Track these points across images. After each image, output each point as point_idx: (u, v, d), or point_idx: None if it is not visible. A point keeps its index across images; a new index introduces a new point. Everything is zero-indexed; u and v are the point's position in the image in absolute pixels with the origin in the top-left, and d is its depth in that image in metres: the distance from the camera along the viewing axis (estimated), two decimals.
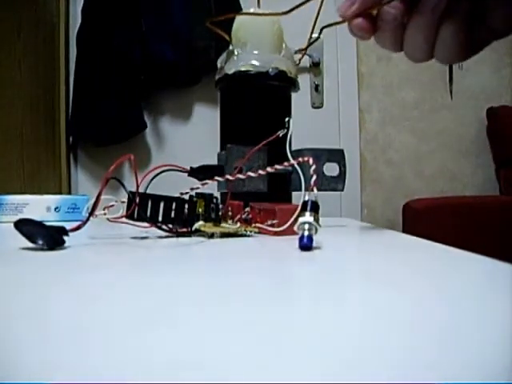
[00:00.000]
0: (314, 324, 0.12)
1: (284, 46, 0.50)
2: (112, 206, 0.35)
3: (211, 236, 0.35)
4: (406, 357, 0.10)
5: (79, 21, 1.55)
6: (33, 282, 0.18)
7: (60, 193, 1.53)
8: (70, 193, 1.59)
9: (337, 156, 0.44)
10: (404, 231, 1.34)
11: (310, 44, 0.53)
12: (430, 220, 1.29)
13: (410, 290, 0.17)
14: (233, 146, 0.44)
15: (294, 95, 0.52)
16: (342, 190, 0.44)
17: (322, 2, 0.40)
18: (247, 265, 0.23)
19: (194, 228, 0.34)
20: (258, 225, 0.36)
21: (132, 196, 0.33)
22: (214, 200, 0.36)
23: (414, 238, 0.35)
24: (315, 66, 1.61)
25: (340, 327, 0.12)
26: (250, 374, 0.09)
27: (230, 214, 0.38)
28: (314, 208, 0.29)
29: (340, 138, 1.57)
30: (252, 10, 0.50)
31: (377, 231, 0.45)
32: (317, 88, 1.62)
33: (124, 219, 0.34)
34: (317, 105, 1.62)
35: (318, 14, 0.44)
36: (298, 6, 0.37)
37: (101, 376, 0.09)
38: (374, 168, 1.62)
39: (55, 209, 0.56)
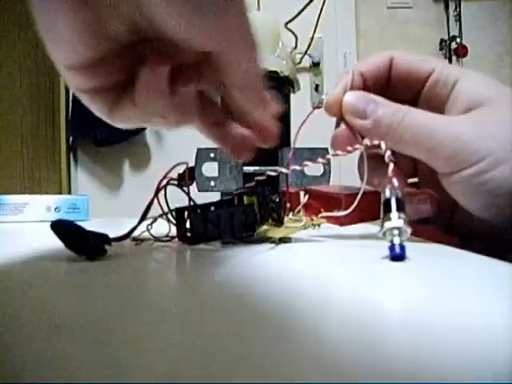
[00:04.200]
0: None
1: (280, 45, 0.51)
2: (154, 221, 0.29)
3: (280, 240, 0.28)
4: (406, 356, 0.10)
5: None
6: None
7: (60, 193, 1.53)
8: (70, 193, 1.59)
9: (319, 155, 0.44)
10: None
11: (309, 46, 0.54)
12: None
13: (409, 289, 0.17)
14: (201, 149, 0.44)
15: (294, 95, 0.52)
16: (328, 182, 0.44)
17: (323, 3, 0.41)
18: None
19: (256, 234, 0.28)
20: (324, 214, 0.30)
21: (179, 213, 0.27)
22: (270, 195, 0.29)
23: (414, 237, 0.35)
24: (315, 66, 1.61)
25: (343, 329, 0.12)
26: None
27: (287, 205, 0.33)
28: (401, 207, 0.23)
29: None
30: (253, 13, 0.50)
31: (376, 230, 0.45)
32: (317, 88, 1.62)
33: (174, 241, 0.28)
34: (317, 105, 1.62)
35: (320, 14, 0.45)
36: None
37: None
38: None
39: (55, 209, 0.56)
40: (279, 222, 0.29)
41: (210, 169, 0.43)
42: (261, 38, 0.54)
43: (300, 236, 0.31)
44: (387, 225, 0.23)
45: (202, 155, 0.44)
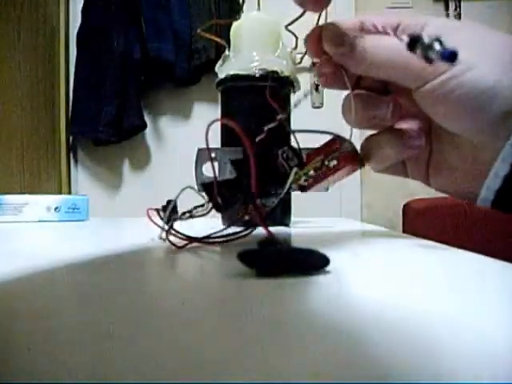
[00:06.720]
0: (309, 320, 0.12)
1: (280, 45, 0.51)
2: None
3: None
4: (404, 356, 0.10)
5: (79, 21, 1.55)
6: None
7: (60, 193, 1.53)
8: (70, 193, 1.59)
9: None
10: (404, 231, 1.34)
11: (306, 54, 0.53)
12: (429, 220, 1.29)
13: (409, 289, 0.17)
14: (201, 149, 0.45)
15: (294, 95, 0.52)
16: (327, 189, 0.44)
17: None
18: None
19: (290, 181, 0.28)
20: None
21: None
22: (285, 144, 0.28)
23: (414, 237, 0.35)
24: (315, 66, 1.61)
25: (337, 327, 0.12)
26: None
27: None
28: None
29: None
30: (254, 13, 0.51)
31: (376, 231, 0.45)
32: (317, 88, 1.62)
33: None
34: (317, 105, 1.61)
35: (320, 15, 0.45)
36: None
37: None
38: None
39: (55, 209, 0.56)
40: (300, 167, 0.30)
41: (210, 169, 0.43)
42: (261, 38, 0.54)
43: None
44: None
45: (202, 155, 0.44)
